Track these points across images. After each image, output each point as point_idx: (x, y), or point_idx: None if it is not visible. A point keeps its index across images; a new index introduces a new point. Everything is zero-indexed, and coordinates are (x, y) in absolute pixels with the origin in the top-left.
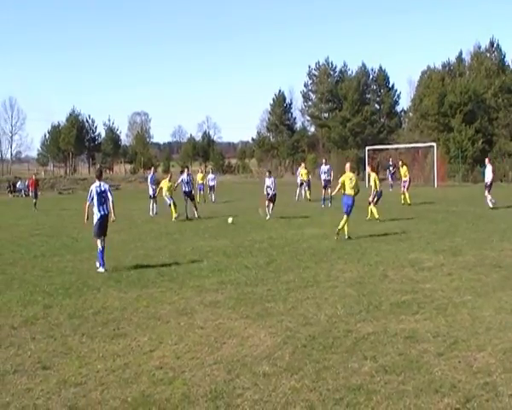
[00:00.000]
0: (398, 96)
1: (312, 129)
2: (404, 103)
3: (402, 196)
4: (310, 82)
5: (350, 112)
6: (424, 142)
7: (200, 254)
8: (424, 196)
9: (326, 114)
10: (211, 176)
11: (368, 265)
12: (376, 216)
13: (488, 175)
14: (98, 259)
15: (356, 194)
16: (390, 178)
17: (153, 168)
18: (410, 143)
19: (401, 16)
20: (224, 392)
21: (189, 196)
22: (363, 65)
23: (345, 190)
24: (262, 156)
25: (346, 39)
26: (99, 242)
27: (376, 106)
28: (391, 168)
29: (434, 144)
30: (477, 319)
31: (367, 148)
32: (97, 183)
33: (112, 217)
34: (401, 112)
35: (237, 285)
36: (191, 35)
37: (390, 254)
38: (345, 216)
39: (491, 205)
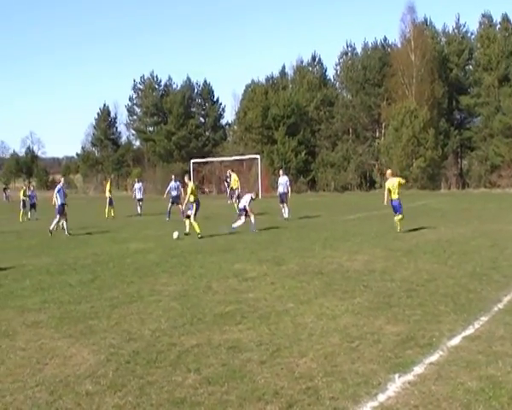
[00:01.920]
0: (223, 110)
1: (137, 143)
2: (229, 117)
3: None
4: (135, 96)
5: (175, 125)
6: (249, 154)
7: (23, 273)
8: None
9: (151, 128)
10: (32, 193)
11: (192, 277)
12: (198, 231)
13: (283, 187)
14: None
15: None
16: (228, 190)
17: None
18: (235, 155)
19: (225, 31)
20: None
21: None
22: (188, 79)
23: (391, 195)
24: (87, 171)
25: (170, 53)
26: None
27: (201, 119)
28: (228, 180)
29: (258, 156)
30: (299, 325)
31: (192, 161)
32: None
33: None
34: (226, 125)
35: (60, 304)
36: (10, 47)
37: (214, 266)
38: (400, 215)
39: (286, 216)
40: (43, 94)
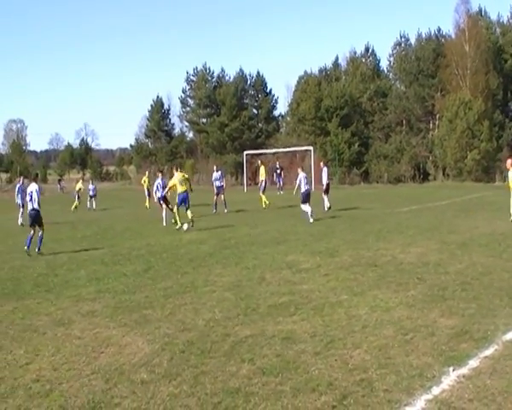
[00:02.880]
0: (276, 101)
1: (191, 134)
2: (282, 108)
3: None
4: (188, 88)
5: (228, 117)
6: (302, 146)
7: (78, 263)
8: None
9: (204, 120)
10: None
11: (245, 268)
12: (178, 222)
13: (324, 178)
14: (26, 241)
15: None
16: (278, 182)
17: (22, 177)
18: (288, 147)
19: (278, 22)
20: (102, 402)
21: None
22: (241, 70)
23: None
24: (140, 163)
25: (223, 45)
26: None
27: (254, 111)
28: (278, 171)
29: (311, 148)
30: (353, 317)
31: (245, 152)
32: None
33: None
34: (279, 116)
35: (115, 293)
36: (65, 39)
37: (268, 257)
38: None
39: (325, 208)
40: (97, 87)
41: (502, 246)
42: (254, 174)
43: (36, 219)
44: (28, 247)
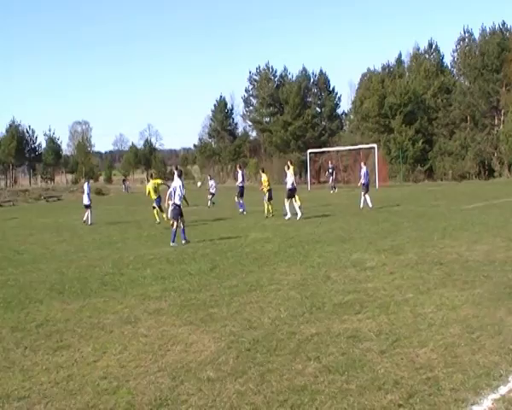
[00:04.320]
0: (339, 99)
1: (254, 134)
2: (345, 106)
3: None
4: (251, 87)
5: (291, 116)
6: (365, 143)
7: (143, 262)
8: None
9: (267, 119)
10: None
11: (310, 267)
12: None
13: (363, 178)
14: (171, 235)
15: None
16: (330, 181)
17: (88, 179)
18: (352, 145)
19: (341, 19)
20: (169, 399)
21: None
22: (304, 69)
23: None
24: (204, 162)
25: (286, 43)
26: (174, 223)
27: (317, 109)
28: (330, 170)
29: (375, 146)
30: (419, 315)
31: (309, 151)
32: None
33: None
34: (342, 114)
35: (181, 292)
36: (129, 41)
37: (332, 256)
38: None
39: (363, 205)
40: (161, 87)
41: None
42: (318, 172)
43: (180, 212)
44: (173, 240)
